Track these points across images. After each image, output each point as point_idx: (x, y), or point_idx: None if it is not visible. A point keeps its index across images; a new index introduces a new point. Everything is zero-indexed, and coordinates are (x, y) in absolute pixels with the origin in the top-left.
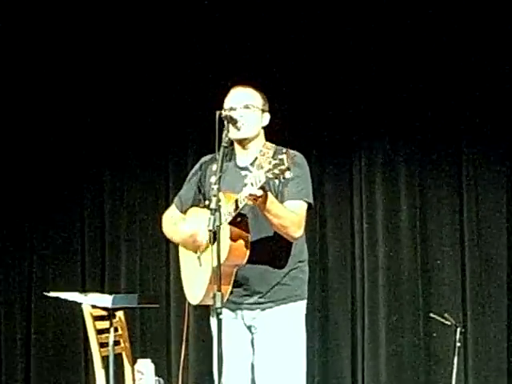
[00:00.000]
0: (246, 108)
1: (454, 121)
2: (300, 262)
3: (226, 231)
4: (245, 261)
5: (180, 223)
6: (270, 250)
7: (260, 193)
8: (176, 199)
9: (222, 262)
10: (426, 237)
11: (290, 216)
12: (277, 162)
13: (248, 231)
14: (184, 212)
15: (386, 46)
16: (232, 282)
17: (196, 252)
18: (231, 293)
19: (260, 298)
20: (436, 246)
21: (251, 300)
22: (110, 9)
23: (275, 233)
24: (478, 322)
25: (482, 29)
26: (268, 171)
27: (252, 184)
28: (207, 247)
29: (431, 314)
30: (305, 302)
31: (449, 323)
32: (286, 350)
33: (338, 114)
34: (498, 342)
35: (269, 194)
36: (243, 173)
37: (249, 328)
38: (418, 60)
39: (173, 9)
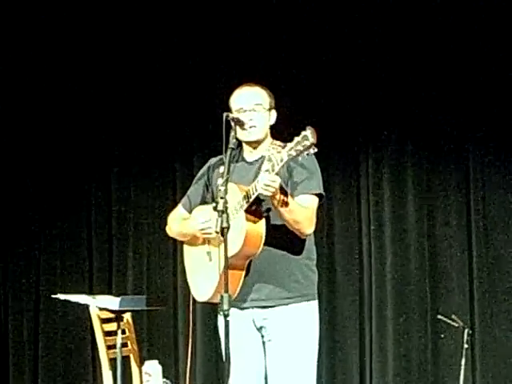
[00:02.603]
0: (254, 109)
1: (462, 122)
2: (310, 259)
3: (241, 219)
4: (259, 251)
5: (191, 218)
6: (284, 238)
7: (276, 183)
8: (183, 200)
9: (237, 250)
10: (433, 238)
11: (303, 211)
12: (299, 139)
13: (262, 219)
14: (191, 212)
15: (393, 46)
16: (243, 276)
17: (205, 247)
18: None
19: (273, 291)
20: (444, 247)
21: (262, 294)
22: (115, 9)
23: None
24: (486, 324)
25: (489, 30)
26: (290, 149)
27: (269, 170)
28: (217, 243)
29: (439, 316)
30: (317, 302)
31: (456, 325)
32: (299, 350)
33: (345, 114)
34: (505, 344)
35: (283, 185)
36: (253, 167)
37: (259, 329)
38: (424, 59)
39: (179, 10)
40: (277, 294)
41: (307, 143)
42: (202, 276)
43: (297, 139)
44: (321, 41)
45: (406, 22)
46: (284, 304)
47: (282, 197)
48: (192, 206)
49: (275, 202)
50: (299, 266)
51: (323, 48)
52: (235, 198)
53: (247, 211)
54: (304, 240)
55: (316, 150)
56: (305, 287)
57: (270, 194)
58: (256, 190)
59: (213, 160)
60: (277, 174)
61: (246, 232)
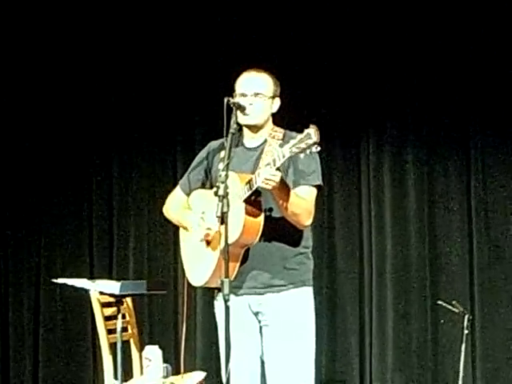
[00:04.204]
0: (256, 96)
1: (462, 108)
2: (306, 247)
3: (240, 209)
4: (256, 240)
5: (188, 213)
6: (282, 228)
7: (277, 177)
8: (182, 181)
9: (234, 240)
10: (433, 224)
11: (302, 203)
12: (302, 136)
13: (261, 210)
14: (189, 195)
15: (393, 36)
16: (239, 263)
17: (202, 233)
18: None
19: (268, 279)
20: (444, 233)
21: (258, 282)
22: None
23: None
24: (486, 310)
25: (489, 20)
26: (293, 146)
27: (270, 164)
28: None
29: (439, 302)
30: (311, 288)
31: (457, 310)
32: (296, 335)
33: (345, 101)
34: (506, 330)
35: (283, 177)
36: (252, 154)
37: (256, 314)
38: (424, 45)
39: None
40: (272, 282)
41: (310, 142)
42: (198, 261)
43: (300, 137)
44: (322, 31)
45: (404, 13)
46: (279, 291)
47: (282, 190)
48: (191, 189)
49: (275, 195)
50: (295, 255)
51: (325, 37)
52: (235, 186)
53: (246, 201)
54: (301, 230)
55: (319, 148)
56: (301, 274)
57: (270, 188)
58: (256, 183)
59: (213, 144)
60: (278, 168)
61: (245, 222)
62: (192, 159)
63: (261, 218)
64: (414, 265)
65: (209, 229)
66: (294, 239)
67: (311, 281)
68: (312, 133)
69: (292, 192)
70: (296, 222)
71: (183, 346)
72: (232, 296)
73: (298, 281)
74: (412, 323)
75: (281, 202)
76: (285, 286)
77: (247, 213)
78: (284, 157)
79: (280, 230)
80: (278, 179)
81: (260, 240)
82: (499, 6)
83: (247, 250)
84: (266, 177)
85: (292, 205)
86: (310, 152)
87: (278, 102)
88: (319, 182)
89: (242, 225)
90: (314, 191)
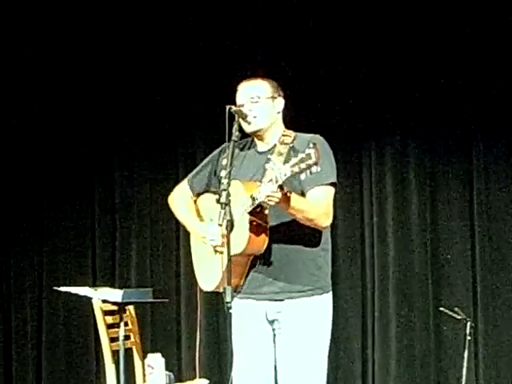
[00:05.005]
0: (252, 101)
1: (464, 113)
2: (325, 250)
3: (245, 221)
4: (262, 250)
5: (194, 223)
6: (299, 234)
7: (279, 194)
8: (190, 178)
9: (239, 252)
10: (436, 230)
11: (314, 208)
12: (303, 156)
13: (267, 220)
14: (196, 195)
15: (396, 39)
16: (247, 269)
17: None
18: (243, 282)
19: (288, 284)
20: (446, 239)
21: (277, 287)
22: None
23: None
24: (489, 316)
25: (489, 28)
26: (294, 165)
27: (272, 180)
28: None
29: (441, 308)
30: (331, 294)
31: (459, 317)
32: (311, 344)
33: (347, 107)
34: (508, 336)
35: (292, 195)
36: (263, 158)
37: (271, 322)
38: (425, 51)
39: (182, 1)
40: (291, 287)
41: (310, 162)
42: (208, 266)
43: (301, 156)
44: (324, 36)
45: (406, 15)
46: (298, 297)
47: (288, 203)
48: (196, 189)
49: (282, 208)
50: (314, 258)
51: (327, 46)
52: (238, 195)
53: (251, 213)
54: (320, 232)
55: (320, 169)
56: (319, 279)
57: (272, 204)
58: (258, 198)
59: (226, 147)
60: (280, 185)
61: (250, 234)
62: (193, 167)
63: (266, 229)
64: (417, 272)
65: (213, 240)
66: (313, 242)
67: (330, 286)
68: (312, 153)
69: (302, 200)
70: (313, 225)
71: (197, 355)
72: (251, 301)
73: (317, 287)
74: (415, 330)
75: (291, 212)
76: (304, 292)
77: (252, 225)
78: (285, 175)
79: (297, 236)
80: (279, 195)
81: (277, 246)
82: (501, 15)
83: (256, 257)
84: (268, 194)
85: (304, 212)
86: (310, 172)
87: (280, 101)
88: (333, 179)
89: (247, 237)
90: (330, 190)
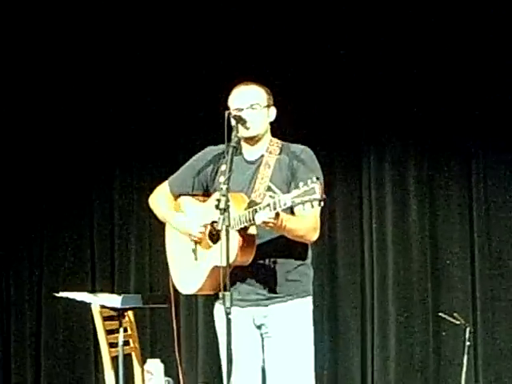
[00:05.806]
0: (252, 108)
1: (464, 119)
2: (308, 257)
3: (234, 237)
4: (249, 262)
5: (176, 214)
6: (283, 245)
7: (275, 221)
8: (173, 180)
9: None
10: (435, 236)
11: (304, 225)
12: (307, 189)
13: (255, 237)
14: (176, 196)
15: (395, 41)
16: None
17: (191, 244)
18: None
19: (272, 291)
20: (445, 244)
21: (261, 295)
22: (119, 4)
23: None
24: (488, 322)
25: (489, 31)
26: (297, 197)
27: (270, 206)
28: (204, 242)
29: (440, 314)
30: (311, 297)
31: (458, 322)
32: (299, 345)
33: (346, 112)
34: (508, 341)
35: (281, 214)
36: (251, 168)
37: (259, 327)
38: (424, 55)
39: (180, 4)
40: (277, 294)
41: (314, 197)
42: (187, 271)
43: (304, 189)
44: (323, 37)
45: (405, 17)
46: (283, 301)
47: (281, 223)
48: (176, 191)
49: (275, 230)
50: (297, 266)
51: (326, 43)
52: (232, 209)
53: (240, 231)
54: (305, 244)
55: (322, 204)
56: (303, 284)
57: (267, 228)
58: (252, 220)
59: (212, 150)
60: (277, 213)
61: (239, 249)
62: None
63: (254, 243)
64: (416, 277)
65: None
66: (296, 253)
67: (311, 290)
68: (316, 188)
69: (293, 219)
70: (302, 240)
71: (178, 361)
72: (237, 308)
73: (302, 291)
74: (414, 335)
75: (281, 231)
76: (289, 295)
77: (240, 243)
78: (285, 205)
79: (282, 247)
80: (275, 222)
81: (262, 258)
82: (501, 18)
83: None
84: (265, 220)
85: (293, 231)
86: (312, 206)
87: (273, 110)
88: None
89: (235, 255)
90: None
